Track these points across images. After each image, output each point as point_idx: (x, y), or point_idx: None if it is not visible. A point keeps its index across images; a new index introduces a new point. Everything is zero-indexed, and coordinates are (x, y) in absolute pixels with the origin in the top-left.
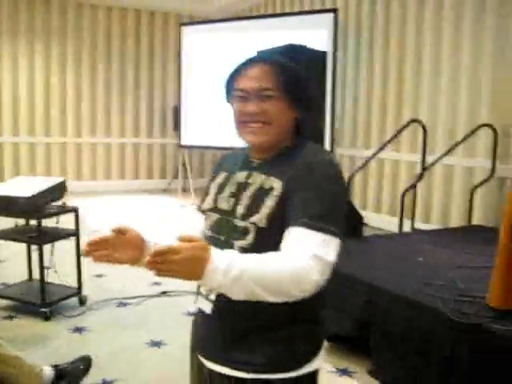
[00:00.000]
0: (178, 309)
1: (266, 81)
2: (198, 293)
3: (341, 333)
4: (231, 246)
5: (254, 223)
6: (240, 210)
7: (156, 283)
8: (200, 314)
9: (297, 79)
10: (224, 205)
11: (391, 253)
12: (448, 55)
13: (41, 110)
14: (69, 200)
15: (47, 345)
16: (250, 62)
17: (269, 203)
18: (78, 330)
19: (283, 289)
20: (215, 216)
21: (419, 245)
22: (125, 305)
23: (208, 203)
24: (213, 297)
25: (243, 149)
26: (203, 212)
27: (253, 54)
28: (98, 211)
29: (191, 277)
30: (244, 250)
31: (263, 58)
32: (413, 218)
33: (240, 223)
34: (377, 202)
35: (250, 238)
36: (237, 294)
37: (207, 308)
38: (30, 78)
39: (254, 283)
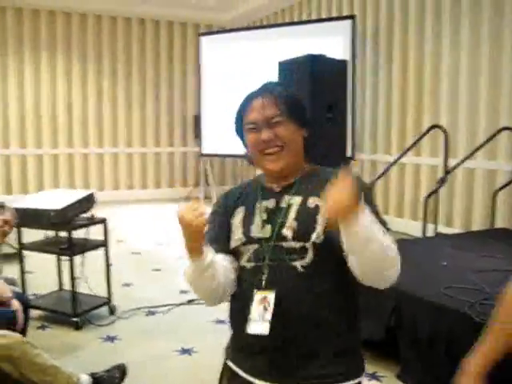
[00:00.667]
0: (205, 316)
1: (272, 109)
2: (248, 317)
3: (369, 337)
4: (290, 268)
5: (313, 241)
6: (288, 232)
7: (183, 292)
8: (255, 339)
9: (297, 102)
10: (259, 233)
11: (416, 257)
12: (467, 58)
13: (63, 122)
14: (93, 210)
15: (79, 354)
16: (252, 97)
17: (321, 221)
18: (109, 338)
19: (386, 264)
20: (252, 247)
21: (443, 249)
22: (153, 313)
23: (238, 239)
24: (268, 316)
25: (251, 181)
26: (233, 249)
27: (257, 87)
28: (122, 221)
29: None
30: (305, 268)
31: (263, 90)
32: (435, 222)
33: (295, 244)
34: (398, 207)
35: (309, 256)
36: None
37: (264, 329)
38: (52, 91)
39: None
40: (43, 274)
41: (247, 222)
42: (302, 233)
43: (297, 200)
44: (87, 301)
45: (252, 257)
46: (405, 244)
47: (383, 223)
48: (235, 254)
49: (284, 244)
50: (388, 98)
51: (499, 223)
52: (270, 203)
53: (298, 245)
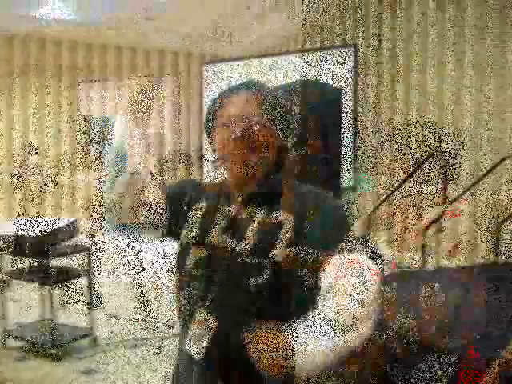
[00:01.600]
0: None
1: (250, 108)
2: (188, 332)
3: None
4: (240, 286)
5: (272, 258)
6: (246, 246)
7: (167, 324)
8: (188, 359)
9: (279, 107)
10: (214, 241)
11: (415, 293)
12: (470, 87)
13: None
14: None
15: None
16: (232, 91)
17: (283, 238)
18: (89, 371)
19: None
20: (202, 253)
21: (445, 283)
22: (137, 346)
23: (192, 237)
24: (205, 342)
25: (210, 182)
26: (181, 245)
27: (236, 84)
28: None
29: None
30: (260, 287)
31: (245, 86)
32: (437, 254)
33: (251, 260)
34: (401, 237)
35: (266, 274)
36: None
37: (198, 353)
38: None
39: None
40: (27, 302)
41: (204, 224)
42: (261, 249)
43: (261, 212)
44: (68, 332)
45: (200, 263)
46: (404, 276)
47: (374, 252)
48: (182, 248)
49: (239, 258)
50: (391, 126)
51: (504, 255)
52: (230, 210)
53: (254, 261)
